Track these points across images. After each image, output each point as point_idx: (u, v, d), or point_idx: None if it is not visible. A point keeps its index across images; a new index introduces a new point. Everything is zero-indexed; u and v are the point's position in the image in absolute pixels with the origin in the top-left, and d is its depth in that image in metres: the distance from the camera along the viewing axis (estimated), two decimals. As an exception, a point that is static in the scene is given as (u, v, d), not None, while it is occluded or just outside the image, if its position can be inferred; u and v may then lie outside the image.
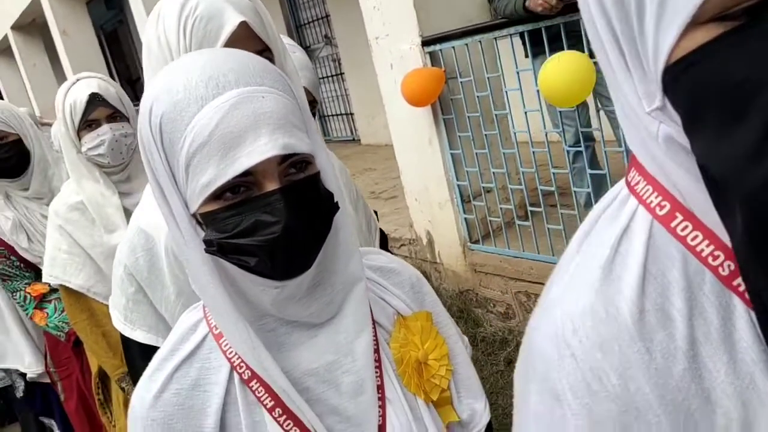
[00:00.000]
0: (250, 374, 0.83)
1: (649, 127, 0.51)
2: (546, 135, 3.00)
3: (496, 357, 3.31)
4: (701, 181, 0.48)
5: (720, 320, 0.50)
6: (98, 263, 1.87)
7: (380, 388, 0.88)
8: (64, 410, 2.39)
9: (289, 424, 0.82)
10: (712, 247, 0.51)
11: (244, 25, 1.06)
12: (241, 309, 0.81)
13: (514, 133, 3.28)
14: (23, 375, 2.42)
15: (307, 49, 8.46)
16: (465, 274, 3.67)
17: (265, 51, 1.10)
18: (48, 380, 2.41)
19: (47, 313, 2.18)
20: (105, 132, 1.80)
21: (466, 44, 3.16)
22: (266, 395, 0.82)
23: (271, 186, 0.74)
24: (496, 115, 3.22)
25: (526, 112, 3.03)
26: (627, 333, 0.51)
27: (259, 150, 0.71)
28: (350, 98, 7.96)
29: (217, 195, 0.74)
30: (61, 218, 1.88)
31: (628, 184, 0.57)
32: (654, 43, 0.46)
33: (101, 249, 1.86)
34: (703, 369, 0.50)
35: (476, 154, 3.35)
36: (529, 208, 3.27)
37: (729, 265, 0.50)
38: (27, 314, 2.25)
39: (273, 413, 0.82)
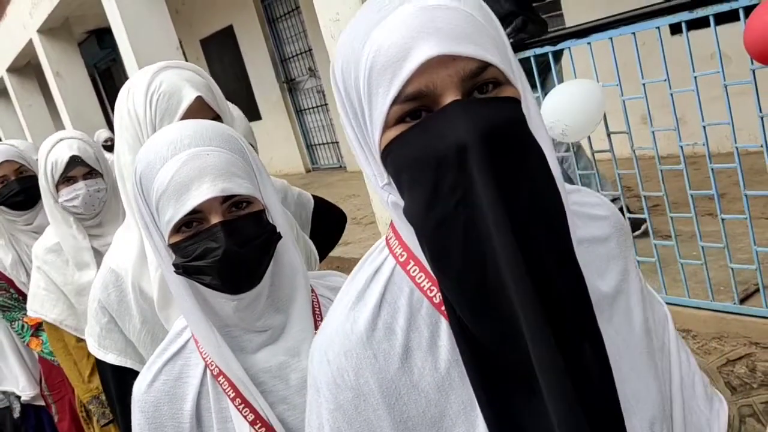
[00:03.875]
0: (218, 371, 1.07)
1: (383, 197, 0.75)
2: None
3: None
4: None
5: (429, 333, 0.75)
6: (70, 299, 2.13)
7: None
8: (54, 431, 2.63)
9: (246, 410, 1.06)
10: (429, 283, 0.75)
11: (199, 99, 1.34)
12: (211, 319, 1.07)
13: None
14: (19, 397, 2.67)
15: (292, 81, 8.77)
16: (434, 293, 3.90)
17: (216, 118, 1.37)
18: (40, 402, 2.65)
19: (42, 340, 2.42)
20: (80, 188, 2.04)
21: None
22: (229, 388, 1.07)
23: (215, 220, 1.01)
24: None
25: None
26: (361, 344, 0.75)
27: (202, 193, 0.98)
28: (335, 127, 8.22)
29: (177, 229, 1.02)
30: (39, 260, 2.15)
31: (386, 238, 0.81)
32: (373, 139, 0.71)
33: (72, 286, 2.12)
34: (413, 366, 0.74)
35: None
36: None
37: (439, 295, 0.74)
38: (24, 341, 2.50)
39: (234, 402, 1.07)
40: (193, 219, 1.00)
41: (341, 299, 0.80)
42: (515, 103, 0.68)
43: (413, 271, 0.76)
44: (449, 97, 0.65)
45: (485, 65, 0.66)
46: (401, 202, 0.72)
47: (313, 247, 1.73)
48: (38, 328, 2.43)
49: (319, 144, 8.85)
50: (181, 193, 0.98)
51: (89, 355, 2.12)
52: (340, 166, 8.47)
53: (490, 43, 0.67)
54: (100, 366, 1.49)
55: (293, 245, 1.14)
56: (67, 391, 2.49)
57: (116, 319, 1.42)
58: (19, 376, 2.61)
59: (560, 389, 0.62)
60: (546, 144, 0.68)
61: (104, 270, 1.44)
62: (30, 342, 2.45)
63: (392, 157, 0.69)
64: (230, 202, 1.01)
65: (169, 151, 1.01)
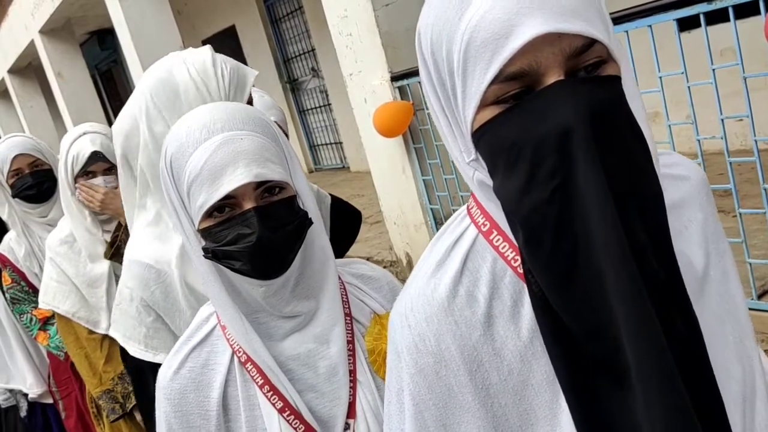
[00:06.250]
0: (245, 358, 1.05)
1: (468, 173, 0.74)
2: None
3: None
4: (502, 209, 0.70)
5: (512, 302, 0.73)
6: (81, 291, 2.12)
7: (353, 372, 1.10)
8: (62, 429, 2.59)
9: (274, 398, 1.04)
10: (513, 253, 0.73)
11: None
12: (239, 305, 1.05)
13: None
14: (26, 396, 2.64)
15: (295, 81, 8.75)
16: (442, 292, 3.88)
17: (249, 102, 1.38)
18: (47, 400, 2.62)
19: (50, 335, 2.40)
20: (99, 182, 2.04)
21: (431, 78, 3.39)
22: (258, 375, 1.05)
23: (248, 206, 0.99)
24: (461, 142, 3.45)
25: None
26: (443, 310, 0.73)
27: (236, 179, 0.96)
28: (338, 127, 8.20)
29: (209, 214, 0.99)
30: (52, 251, 2.15)
31: (467, 207, 0.80)
32: (464, 116, 0.69)
33: (84, 278, 2.11)
34: (495, 334, 0.73)
35: (446, 179, 3.58)
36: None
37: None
38: (32, 335, 2.48)
39: (263, 390, 1.05)
40: (225, 204, 0.98)
41: (421, 267, 0.78)
42: (617, 82, 0.65)
43: (496, 241, 0.74)
44: (552, 77, 0.63)
45: (591, 41, 0.63)
46: (489, 181, 0.70)
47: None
48: (46, 322, 2.41)
49: (322, 144, 8.83)
50: (214, 178, 0.96)
51: (102, 347, 2.10)
52: (344, 167, 8.45)
53: (597, 17, 0.64)
54: (142, 368, 1.41)
55: (324, 231, 1.11)
56: (74, 387, 2.47)
57: (164, 316, 1.36)
58: (26, 373, 2.59)
59: (667, 388, 0.60)
60: (641, 116, 0.66)
61: (138, 267, 1.36)
62: (37, 336, 2.44)
63: (487, 138, 0.67)
64: (263, 187, 0.99)
65: (202, 134, 0.99)
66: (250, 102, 1.36)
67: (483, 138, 0.67)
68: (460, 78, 0.66)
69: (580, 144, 0.60)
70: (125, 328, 1.39)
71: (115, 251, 1.97)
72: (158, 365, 1.33)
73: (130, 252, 1.41)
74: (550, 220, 0.63)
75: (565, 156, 0.61)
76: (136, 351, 1.39)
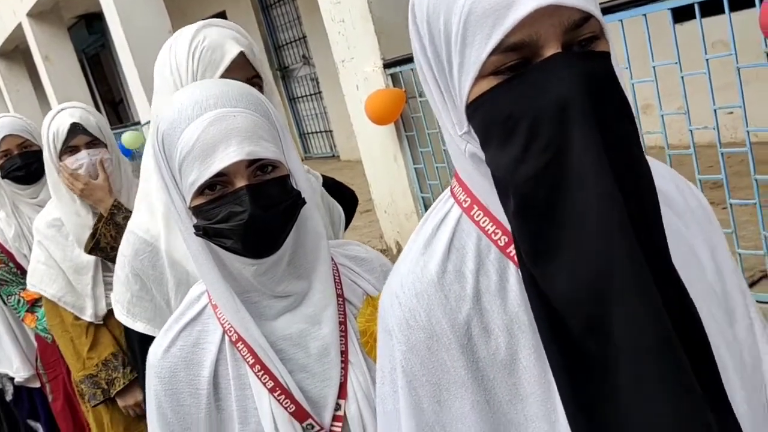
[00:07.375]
0: (236, 337, 1.05)
1: (460, 146, 0.74)
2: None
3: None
4: (492, 182, 0.71)
5: (498, 277, 0.74)
6: (68, 276, 2.11)
7: (344, 353, 1.10)
8: (49, 413, 2.58)
9: (265, 377, 1.04)
10: (494, 227, 0.75)
11: (241, 54, 1.33)
12: (231, 284, 1.04)
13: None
14: (12, 379, 2.62)
15: (285, 69, 8.70)
16: (432, 281, 3.88)
17: (255, 77, 1.36)
18: (34, 384, 2.60)
19: (37, 317, 2.39)
20: (83, 157, 2.01)
21: (424, 66, 3.38)
22: (248, 354, 1.04)
23: (240, 184, 0.98)
24: (453, 131, 3.44)
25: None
26: (432, 285, 0.74)
27: (228, 156, 0.95)
28: (329, 116, 8.18)
29: (201, 192, 0.99)
30: (40, 234, 2.13)
31: (451, 187, 0.81)
32: (459, 88, 0.69)
33: (71, 263, 2.10)
34: (483, 309, 0.74)
35: (437, 168, 3.57)
36: (488, 217, 3.48)
37: (505, 239, 0.74)
38: (19, 316, 2.46)
39: (253, 369, 1.04)
40: (217, 182, 0.97)
41: (410, 248, 0.79)
42: (609, 58, 0.67)
43: (477, 216, 0.75)
44: (551, 49, 0.64)
45: (587, 16, 0.65)
46: (481, 153, 0.71)
47: (339, 207, 1.68)
48: (34, 304, 2.40)
49: (313, 132, 8.80)
50: (206, 156, 0.95)
51: (87, 332, 2.10)
52: (333, 155, 8.43)
53: None
54: (127, 333, 1.49)
55: (317, 212, 1.11)
56: (62, 370, 2.46)
57: (151, 283, 1.40)
58: (13, 357, 2.57)
59: (665, 358, 0.61)
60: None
61: (132, 238, 1.41)
62: (25, 318, 2.42)
63: (484, 109, 0.67)
64: (256, 165, 0.98)
65: (195, 111, 0.97)
66: (257, 78, 1.35)
67: (479, 109, 0.68)
68: (457, 48, 0.67)
69: (577, 115, 0.62)
70: (115, 292, 1.47)
71: (95, 245, 1.96)
72: (143, 336, 1.41)
73: (130, 222, 1.47)
74: (545, 188, 0.64)
75: (563, 126, 0.62)
76: (119, 314, 1.45)
